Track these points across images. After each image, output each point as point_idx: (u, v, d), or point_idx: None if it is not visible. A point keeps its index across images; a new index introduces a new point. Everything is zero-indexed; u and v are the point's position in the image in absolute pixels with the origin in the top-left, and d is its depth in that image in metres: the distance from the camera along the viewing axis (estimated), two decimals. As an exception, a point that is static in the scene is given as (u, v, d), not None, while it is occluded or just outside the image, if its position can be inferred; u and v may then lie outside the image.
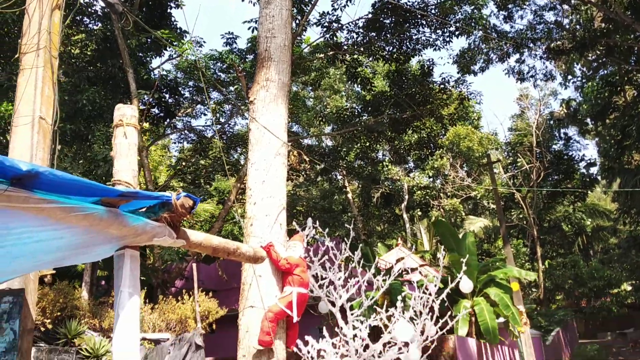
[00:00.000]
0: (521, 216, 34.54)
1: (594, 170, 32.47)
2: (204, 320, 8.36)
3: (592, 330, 40.47)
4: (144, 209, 3.28)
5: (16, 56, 4.55)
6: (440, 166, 34.73)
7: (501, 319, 16.42)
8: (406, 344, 9.36)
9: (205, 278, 19.50)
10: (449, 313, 9.24)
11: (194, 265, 8.27)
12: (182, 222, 3.37)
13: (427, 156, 25.04)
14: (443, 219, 33.57)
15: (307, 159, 17.21)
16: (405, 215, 36.15)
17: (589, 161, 31.85)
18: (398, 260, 13.11)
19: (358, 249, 10.39)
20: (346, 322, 9.83)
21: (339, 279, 10.01)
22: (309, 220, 10.03)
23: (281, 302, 7.80)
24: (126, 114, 3.56)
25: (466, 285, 8.79)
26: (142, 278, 13.25)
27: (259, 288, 7.96)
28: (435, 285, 10.31)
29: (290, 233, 9.59)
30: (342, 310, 9.85)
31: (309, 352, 9.10)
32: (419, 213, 37.50)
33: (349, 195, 37.64)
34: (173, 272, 13.37)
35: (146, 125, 18.01)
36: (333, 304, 9.96)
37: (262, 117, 8.64)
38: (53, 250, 3.24)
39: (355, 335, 9.64)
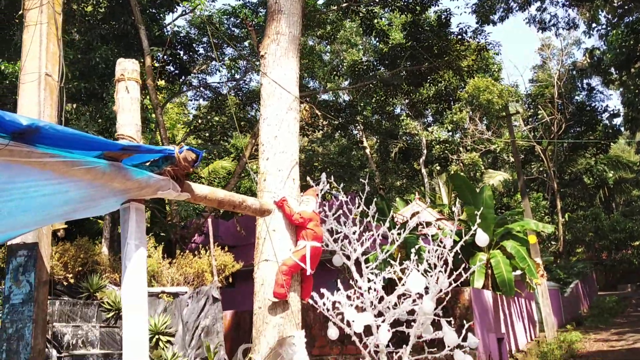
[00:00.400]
0: (541, 169, 34.15)
1: (617, 121, 31.75)
2: (221, 274, 8.51)
3: (612, 283, 40.50)
4: (147, 163, 3.31)
5: (20, 12, 4.54)
6: (459, 120, 34.27)
7: (518, 272, 16.49)
8: (421, 296, 9.48)
9: (223, 234, 19.81)
10: (463, 265, 9.24)
11: (210, 220, 8.38)
12: (186, 175, 3.39)
13: (445, 109, 24.69)
14: (461, 173, 33.34)
15: (319, 113, 16.96)
16: (423, 170, 36.00)
17: (612, 112, 31.11)
18: (413, 215, 13.09)
19: (373, 203, 10.41)
20: (361, 275, 9.97)
21: (354, 233, 10.11)
22: (323, 175, 10.06)
23: (295, 255, 7.91)
24: (127, 68, 3.55)
25: (481, 238, 8.77)
26: (161, 234, 13.50)
27: (273, 242, 8.06)
28: (451, 238, 10.32)
29: (305, 188, 9.65)
30: (357, 263, 9.97)
31: (324, 304, 9.31)
32: (438, 168, 37.30)
33: (367, 151, 37.49)
34: (191, 227, 13.56)
35: (162, 82, 17.98)
36: (348, 258, 10.09)
37: (273, 72, 8.56)
38: (60, 203, 3.30)
39: (370, 288, 9.79)
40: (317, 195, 8.61)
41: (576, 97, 34.28)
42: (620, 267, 37.77)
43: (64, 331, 8.00)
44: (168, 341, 8.43)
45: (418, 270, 8.88)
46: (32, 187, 3.06)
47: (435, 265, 9.55)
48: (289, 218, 8.01)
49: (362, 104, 31.03)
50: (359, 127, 37.22)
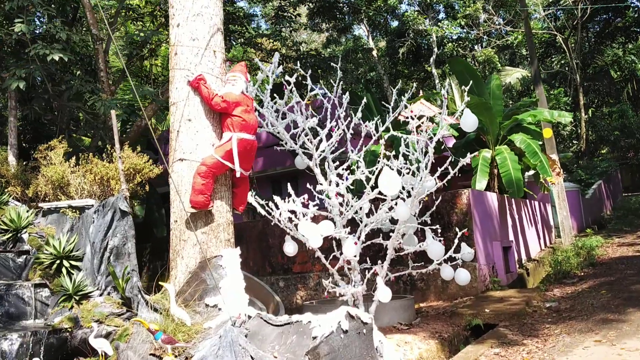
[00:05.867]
0: (563, 62, 31.05)
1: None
2: (131, 180, 6.69)
3: (639, 183, 38.24)
4: None
5: None
6: (473, 11, 31.00)
7: (531, 172, 14.44)
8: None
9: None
10: (448, 161, 7.27)
11: (113, 112, 6.43)
12: None
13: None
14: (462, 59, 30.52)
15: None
16: (434, 71, 33.21)
17: (644, -8, 27.54)
18: (410, 105, 10.90)
19: (340, 89, 8.32)
20: (326, 178, 8.07)
21: (322, 128, 8.10)
22: (276, 55, 7.94)
23: (217, 152, 5.97)
24: None
25: (468, 121, 6.69)
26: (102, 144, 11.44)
27: (189, 135, 6.12)
28: (448, 131, 8.23)
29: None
30: (330, 165, 8.06)
31: (280, 215, 7.45)
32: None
33: (374, 53, 34.67)
34: (131, 131, 11.47)
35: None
36: (311, 158, 8.17)
37: None
38: None
39: (339, 193, 7.91)
40: (247, 72, 6.50)
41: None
42: (647, 167, 35.35)
43: None
44: (74, 267, 6.74)
45: (390, 167, 6.92)
46: None
47: (419, 162, 7.61)
48: (208, 102, 6.00)
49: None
50: (364, 27, 34.33)
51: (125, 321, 6.20)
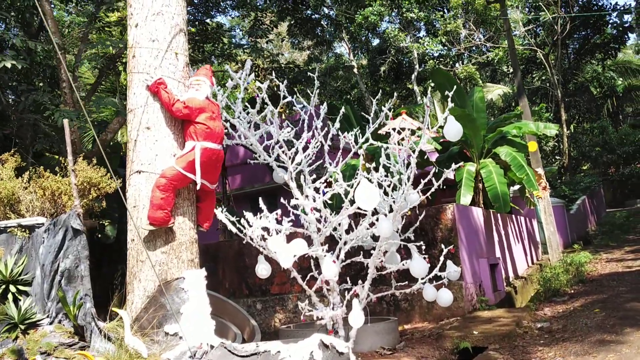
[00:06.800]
0: (544, 78, 31.05)
1: (628, 17, 28.21)
2: (86, 195, 6.11)
3: (620, 199, 38.30)
4: None
5: None
6: (453, 28, 30.94)
7: (517, 187, 14.05)
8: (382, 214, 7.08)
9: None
10: (431, 173, 6.81)
11: (66, 121, 5.87)
12: None
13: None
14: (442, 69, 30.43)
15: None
16: (416, 88, 33.02)
17: (622, 8, 27.57)
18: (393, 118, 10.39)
19: (315, 99, 7.83)
20: (302, 192, 7.55)
21: (303, 141, 7.60)
22: (248, 62, 7.45)
23: (179, 163, 5.41)
24: None
25: (452, 129, 6.24)
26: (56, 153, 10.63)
27: (147, 145, 5.56)
28: (431, 145, 7.76)
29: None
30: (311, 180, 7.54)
31: (252, 232, 6.87)
32: (432, 84, 34.26)
33: (355, 70, 34.46)
34: (96, 146, 10.84)
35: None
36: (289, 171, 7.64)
37: None
38: None
39: (315, 208, 7.38)
40: (212, 76, 5.97)
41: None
42: (629, 182, 35.42)
43: None
44: (22, 292, 6.09)
45: (368, 179, 6.41)
46: None
47: (401, 174, 7.15)
48: (169, 109, 5.46)
49: (346, 16, 28.07)
50: (346, 45, 34.22)
51: (77, 352, 5.56)
